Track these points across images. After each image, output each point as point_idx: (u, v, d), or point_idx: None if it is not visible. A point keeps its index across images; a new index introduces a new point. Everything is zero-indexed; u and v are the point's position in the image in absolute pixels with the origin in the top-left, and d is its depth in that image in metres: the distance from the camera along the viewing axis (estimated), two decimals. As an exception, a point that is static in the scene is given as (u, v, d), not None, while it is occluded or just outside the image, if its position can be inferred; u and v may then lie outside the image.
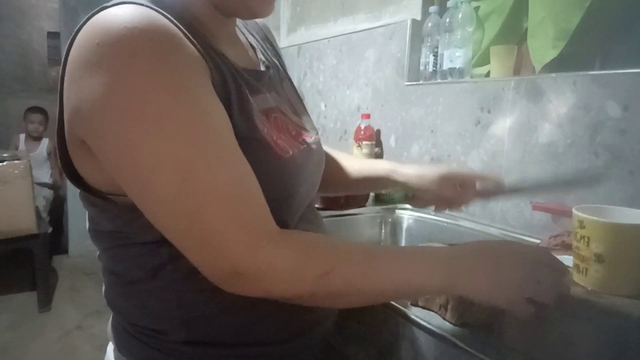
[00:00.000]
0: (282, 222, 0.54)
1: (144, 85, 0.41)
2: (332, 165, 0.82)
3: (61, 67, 0.47)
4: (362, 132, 1.43)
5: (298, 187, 0.56)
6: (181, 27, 0.47)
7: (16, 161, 2.49)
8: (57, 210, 3.61)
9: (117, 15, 0.42)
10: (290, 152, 0.55)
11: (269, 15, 0.56)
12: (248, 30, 0.68)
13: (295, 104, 0.68)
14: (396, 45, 1.42)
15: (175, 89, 0.43)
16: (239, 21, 0.67)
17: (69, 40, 0.46)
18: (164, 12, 0.46)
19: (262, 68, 0.63)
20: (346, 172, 0.83)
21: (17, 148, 3.51)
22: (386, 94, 1.47)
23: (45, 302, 2.57)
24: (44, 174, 3.57)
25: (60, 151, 0.50)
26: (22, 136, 3.59)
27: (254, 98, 0.55)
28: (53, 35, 3.65)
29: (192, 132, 0.43)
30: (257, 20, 0.72)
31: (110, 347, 0.61)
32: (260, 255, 0.43)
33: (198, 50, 0.47)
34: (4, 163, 2.44)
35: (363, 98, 1.58)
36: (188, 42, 0.46)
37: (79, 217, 3.39)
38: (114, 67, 0.41)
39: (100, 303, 2.63)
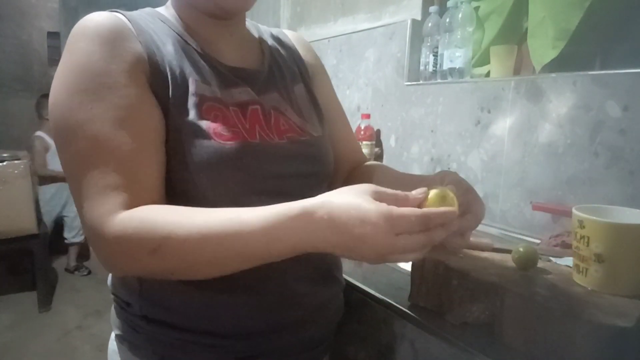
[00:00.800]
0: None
1: (78, 66, 0.52)
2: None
3: None
4: (362, 132, 1.43)
5: (243, 177, 0.56)
6: (133, 29, 0.56)
7: (16, 161, 2.49)
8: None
9: (86, 19, 0.55)
10: (234, 142, 0.56)
11: (247, 10, 0.64)
12: (274, 42, 0.73)
13: (304, 108, 0.69)
14: (396, 45, 1.42)
15: (102, 72, 0.52)
16: (262, 30, 0.73)
17: None
18: (131, 19, 0.57)
19: (260, 69, 0.67)
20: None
21: (47, 149, 3.02)
22: (386, 94, 1.47)
23: (45, 302, 2.57)
24: None
25: None
26: (42, 133, 3.05)
27: (227, 91, 0.60)
28: (53, 35, 3.65)
29: (97, 106, 0.51)
30: (289, 33, 0.78)
31: None
32: (107, 227, 0.48)
33: (146, 48, 0.56)
34: (4, 163, 2.44)
35: (363, 98, 1.58)
36: (135, 42, 0.55)
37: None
38: (65, 54, 0.53)
39: (100, 303, 2.64)
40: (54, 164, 3.04)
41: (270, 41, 0.72)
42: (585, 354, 0.47)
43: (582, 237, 0.56)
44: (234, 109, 0.59)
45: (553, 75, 1.00)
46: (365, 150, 1.42)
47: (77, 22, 0.54)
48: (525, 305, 0.52)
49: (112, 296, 0.65)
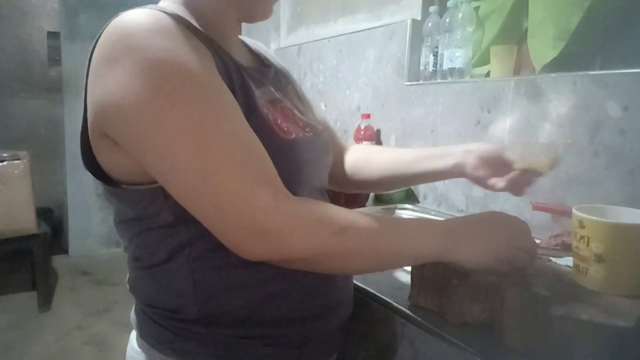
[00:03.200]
0: None
1: (156, 70, 0.46)
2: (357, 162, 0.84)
3: (86, 69, 0.52)
4: (362, 132, 1.43)
5: (302, 169, 0.60)
6: (186, 27, 0.52)
7: (16, 161, 2.49)
8: (57, 210, 3.60)
9: (130, 18, 0.49)
10: (294, 135, 0.59)
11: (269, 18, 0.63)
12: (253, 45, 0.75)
13: (299, 105, 0.71)
14: (396, 45, 1.42)
15: (186, 69, 0.47)
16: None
17: (93, 43, 0.51)
18: (173, 14, 0.52)
19: (266, 68, 0.69)
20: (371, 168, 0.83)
21: None
22: (386, 94, 1.47)
23: (45, 302, 2.57)
24: None
25: (83, 148, 0.56)
26: None
27: (258, 89, 0.59)
28: (53, 35, 3.64)
29: (205, 105, 0.47)
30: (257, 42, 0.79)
31: (133, 333, 0.65)
32: (281, 209, 0.47)
33: (203, 43, 0.53)
34: (4, 163, 2.44)
35: (363, 98, 1.58)
36: (193, 35, 0.52)
37: (79, 217, 3.38)
38: (128, 60, 0.47)
39: (100, 303, 2.64)
40: None
41: (253, 46, 0.74)
42: (585, 354, 0.47)
43: (582, 237, 0.56)
44: (270, 106, 0.60)
45: (553, 75, 1.00)
46: (365, 150, 1.42)
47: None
48: (525, 305, 0.52)
49: (140, 313, 0.62)
